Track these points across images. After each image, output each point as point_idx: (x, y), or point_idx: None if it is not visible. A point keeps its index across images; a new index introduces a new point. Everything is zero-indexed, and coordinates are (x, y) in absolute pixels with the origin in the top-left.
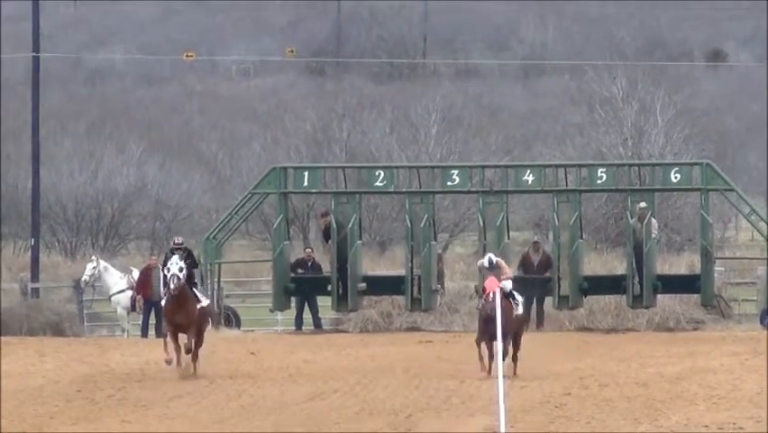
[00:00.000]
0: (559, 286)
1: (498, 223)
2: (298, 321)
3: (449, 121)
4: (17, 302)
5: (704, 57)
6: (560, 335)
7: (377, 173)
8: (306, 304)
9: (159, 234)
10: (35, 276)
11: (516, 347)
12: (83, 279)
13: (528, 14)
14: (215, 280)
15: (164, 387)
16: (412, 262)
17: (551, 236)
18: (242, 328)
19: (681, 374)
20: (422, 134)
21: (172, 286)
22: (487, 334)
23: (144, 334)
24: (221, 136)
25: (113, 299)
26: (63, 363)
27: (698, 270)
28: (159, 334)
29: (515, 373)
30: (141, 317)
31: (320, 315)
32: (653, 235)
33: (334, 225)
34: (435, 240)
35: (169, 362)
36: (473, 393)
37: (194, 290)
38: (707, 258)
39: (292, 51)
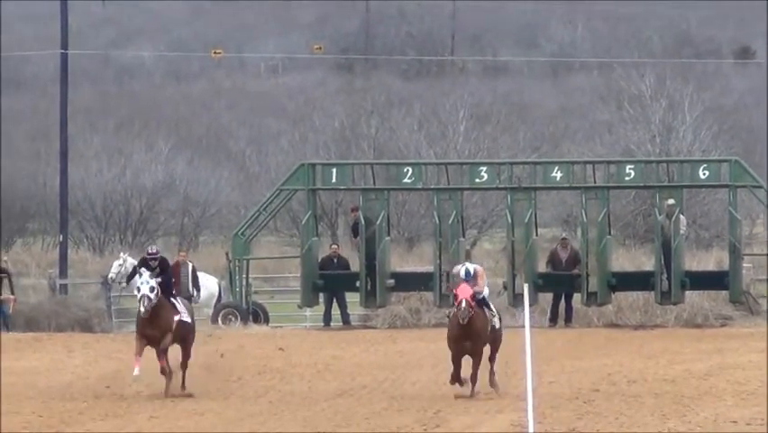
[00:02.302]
0: (587, 282)
1: (526, 219)
2: (327, 317)
3: (477, 118)
4: (46, 298)
5: (732, 54)
6: (588, 331)
7: (405, 170)
8: (335, 300)
9: (187, 230)
10: (64, 272)
11: (493, 356)
12: (109, 276)
13: (557, 12)
14: (244, 276)
15: (192, 383)
16: (440, 258)
17: (579, 233)
18: (270, 324)
19: (709, 371)
20: (450, 131)
21: (142, 309)
22: (458, 344)
23: None
24: (249, 133)
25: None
26: (91, 359)
27: (726, 266)
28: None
29: (491, 384)
30: None
31: (348, 311)
32: (682, 232)
33: (363, 221)
34: (464, 236)
35: (138, 354)
36: (501, 390)
37: (172, 300)
38: (735, 254)
39: (320, 48)
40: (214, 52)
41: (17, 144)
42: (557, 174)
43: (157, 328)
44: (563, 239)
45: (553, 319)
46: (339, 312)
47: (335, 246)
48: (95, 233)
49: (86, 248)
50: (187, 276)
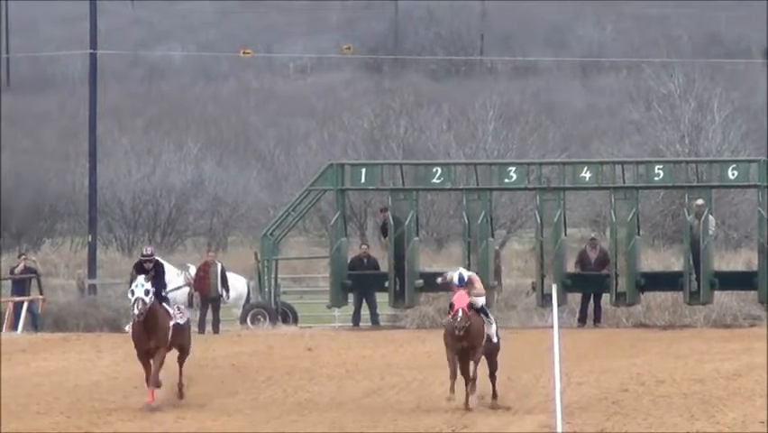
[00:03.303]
0: (616, 282)
1: (555, 220)
2: (356, 317)
3: (506, 118)
4: (75, 298)
5: (761, 54)
6: (616, 331)
7: (434, 170)
8: (365, 300)
9: (216, 230)
10: (92, 272)
11: (493, 367)
12: None
13: (586, 12)
14: (272, 276)
15: (220, 383)
16: (469, 258)
17: (608, 233)
18: (299, 325)
19: (738, 371)
20: (479, 131)
21: (136, 312)
22: (456, 355)
23: (201, 330)
24: (278, 133)
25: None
26: (120, 360)
27: (755, 266)
28: (215, 330)
29: (494, 396)
30: (198, 313)
31: (377, 311)
32: (711, 232)
33: (391, 221)
34: (493, 237)
35: (148, 382)
36: (530, 390)
37: (165, 305)
38: (764, 255)
39: (349, 48)
40: (244, 52)
41: (46, 144)
42: (586, 174)
43: (154, 338)
44: (592, 239)
45: (582, 319)
46: (368, 312)
47: (365, 246)
48: (123, 233)
49: (115, 248)
50: (216, 276)
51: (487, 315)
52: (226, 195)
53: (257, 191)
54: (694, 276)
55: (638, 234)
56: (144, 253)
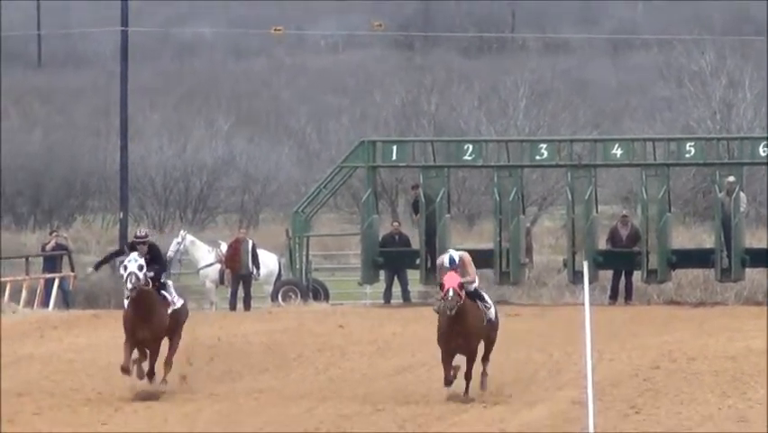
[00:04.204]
0: (647, 260)
1: (586, 197)
2: (387, 294)
3: (537, 95)
4: (106, 276)
5: None
6: (648, 308)
7: (465, 147)
8: (396, 277)
9: (247, 207)
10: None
11: (486, 356)
12: (168, 255)
13: None
14: (304, 253)
15: (252, 360)
16: (500, 235)
17: (639, 210)
18: (330, 302)
19: None
20: (510, 108)
21: (129, 286)
22: (449, 341)
23: (232, 307)
24: (309, 110)
25: (201, 272)
26: None
27: None
28: (246, 307)
29: (482, 387)
30: (230, 290)
31: (409, 288)
32: (742, 209)
33: (423, 198)
34: (524, 214)
35: (125, 370)
36: (562, 367)
37: (163, 292)
38: None
39: (380, 25)
40: (275, 29)
41: (78, 122)
42: (617, 151)
43: (148, 329)
44: (624, 216)
45: (613, 297)
46: (399, 289)
47: (397, 223)
48: (155, 210)
49: (147, 225)
50: (247, 253)
51: (483, 299)
52: (257, 172)
53: (288, 168)
54: (725, 253)
55: (669, 211)
56: (137, 234)
